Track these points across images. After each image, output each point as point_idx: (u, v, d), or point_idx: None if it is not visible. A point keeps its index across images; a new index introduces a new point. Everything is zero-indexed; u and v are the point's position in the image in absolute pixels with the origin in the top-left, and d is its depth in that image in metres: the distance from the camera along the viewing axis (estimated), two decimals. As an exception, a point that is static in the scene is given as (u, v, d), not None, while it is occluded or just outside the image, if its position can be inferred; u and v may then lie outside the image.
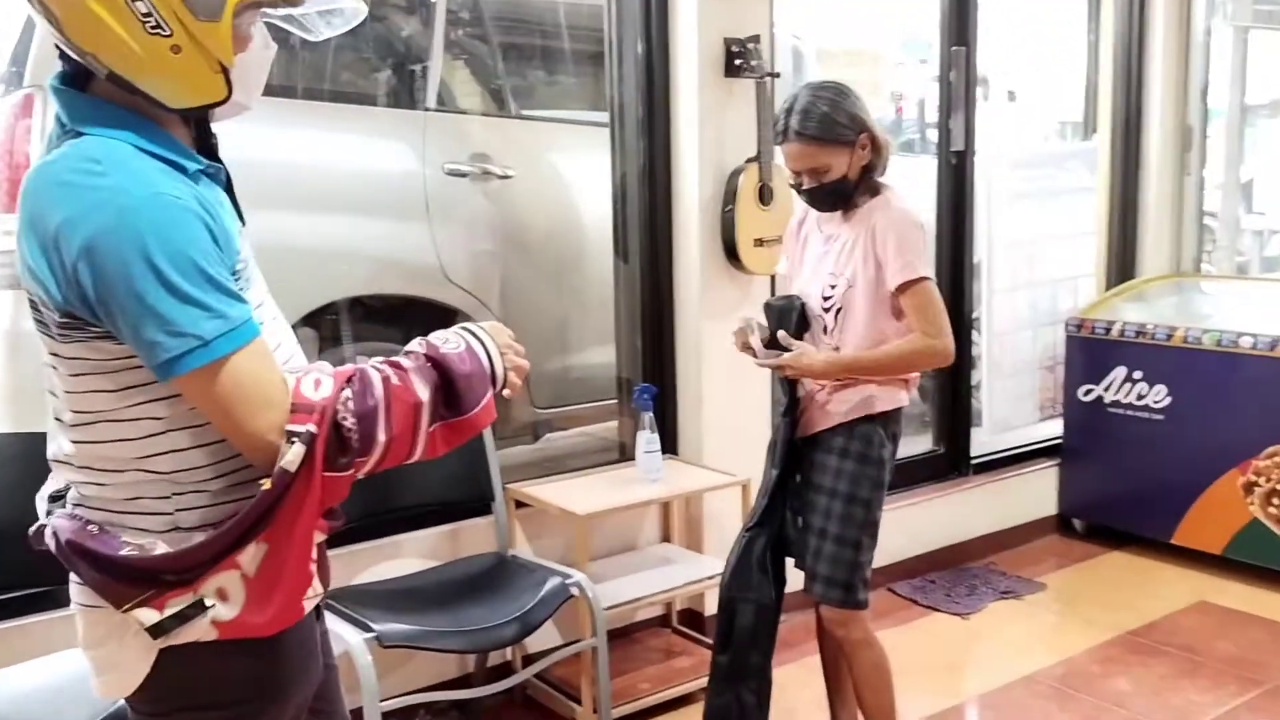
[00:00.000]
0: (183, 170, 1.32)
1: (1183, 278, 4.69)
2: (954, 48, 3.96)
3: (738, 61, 3.22)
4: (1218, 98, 5.26)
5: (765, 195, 3.27)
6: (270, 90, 3.32)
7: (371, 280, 3.34)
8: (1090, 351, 4.22)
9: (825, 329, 2.45)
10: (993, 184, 4.16)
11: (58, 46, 1.31)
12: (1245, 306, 4.36)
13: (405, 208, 3.40)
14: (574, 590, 2.70)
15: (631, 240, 3.45)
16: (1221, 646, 3.43)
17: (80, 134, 1.29)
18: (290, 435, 1.27)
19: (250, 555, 1.32)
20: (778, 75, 3.33)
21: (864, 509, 2.44)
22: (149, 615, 1.31)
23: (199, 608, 1.31)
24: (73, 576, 1.39)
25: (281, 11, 1.42)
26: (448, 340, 1.42)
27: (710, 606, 3.43)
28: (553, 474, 3.27)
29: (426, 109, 3.55)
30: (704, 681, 3.12)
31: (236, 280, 1.33)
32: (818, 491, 2.47)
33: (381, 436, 1.33)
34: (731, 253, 3.30)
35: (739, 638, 2.50)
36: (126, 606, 1.31)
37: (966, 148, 4.03)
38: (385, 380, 1.34)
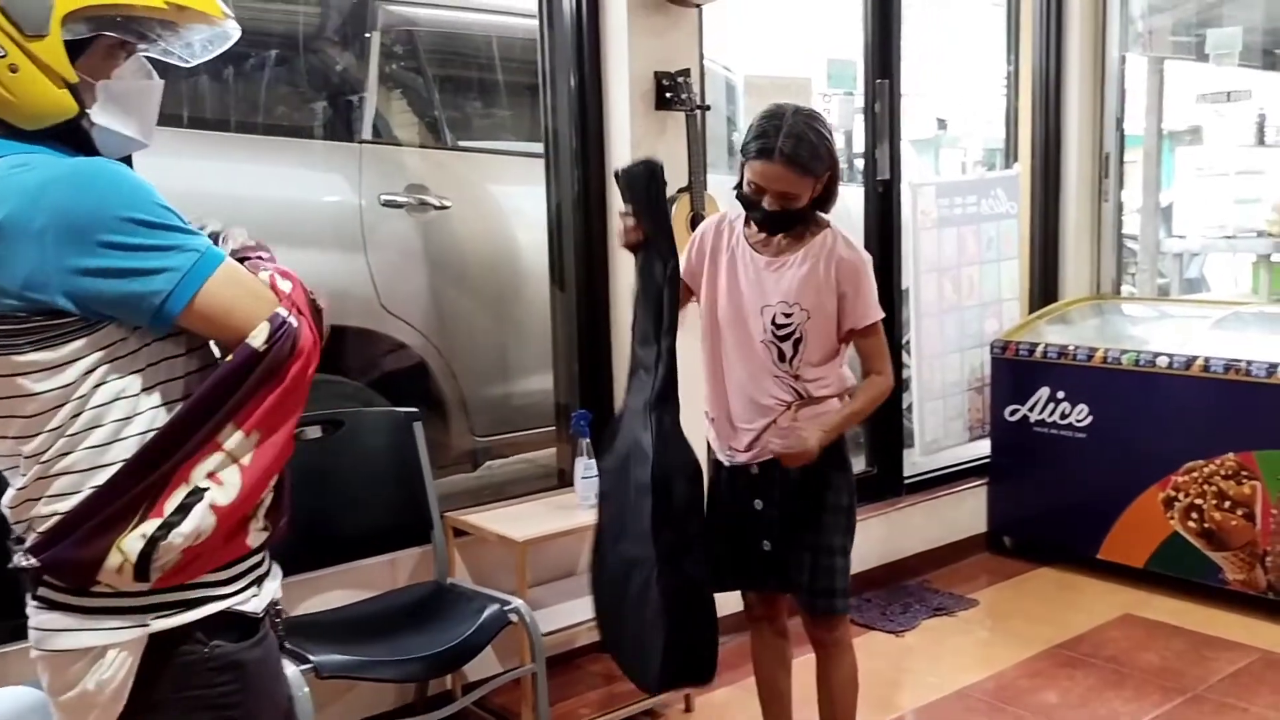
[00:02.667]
0: None
1: (1103, 300, 4.85)
2: (878, 80, 4.08)
3: (668, 95, 3.29)
4: (1136, 125, 5.45)
5: (697, 223, 3.33)
6: (205, 124, 3.34)
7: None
8: (1015, 372, 4.34)
9: (782, 356, 2.45)
10: (918, 211, 4.27)
11: None
12: (1164, 327, 4.51)
13: (341, 239, 3.42)
14: (513, 617, 2.72)
15: (568, 269, 3.49)
16: (1145, 658, 3.54)
17: None
18: (273, 319, 1.36)
19: (236, 441, 1.35)
20: (708, 108, 3.40)
21: (845, 516, 2.52)
22: (150, 525, 1.32)
23: (196, 494, 1.34)
24: (41, 624, 1.39)
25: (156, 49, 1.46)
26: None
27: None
28: (492, 501, 3.29)
29: (362, 141, 3.58)
30: (647, 704, 3.17)
31: None
32: (790, 507, 2.49)
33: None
34: (665, 280, 3.36)
35: (676, 510, 2.33)
36: (127, 530, 1.32)
37: (892, 177, 4.14)
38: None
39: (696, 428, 2.60)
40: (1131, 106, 5.11)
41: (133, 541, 1.32)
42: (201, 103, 3.21)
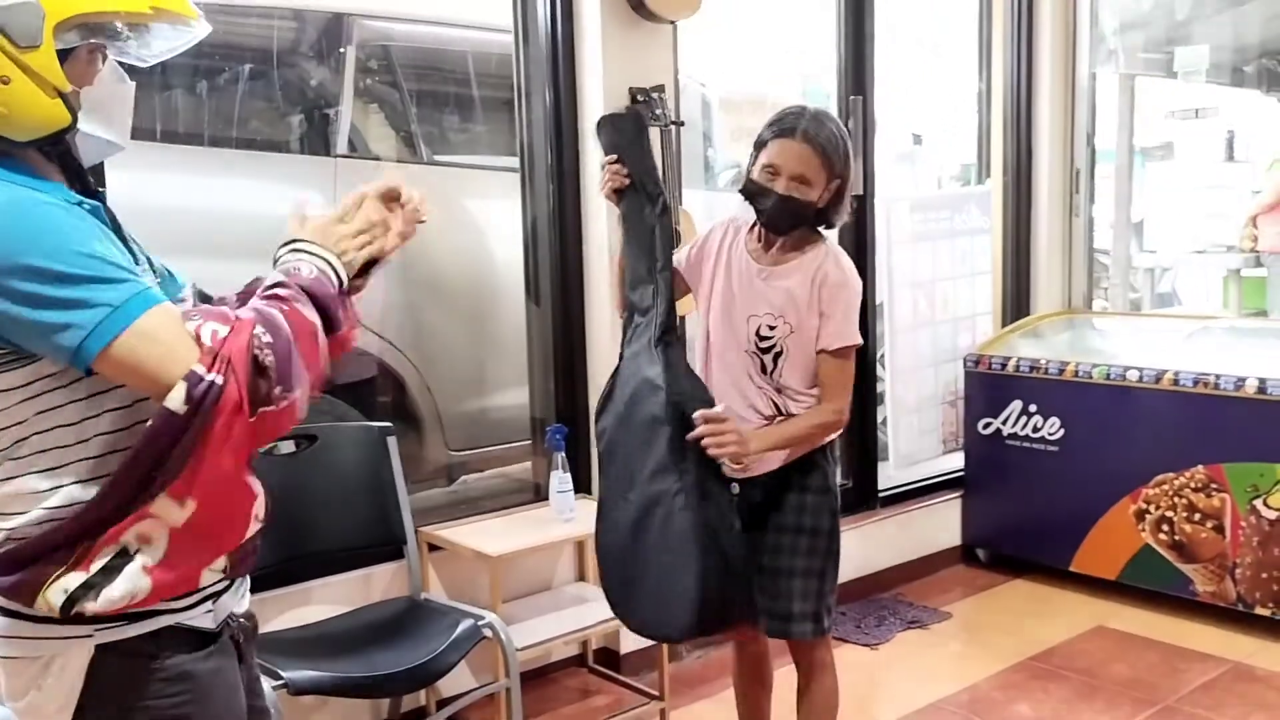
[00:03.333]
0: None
1: (1075, 314, 4.89)
2: (852, 96, 4.11)
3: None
4: (1107, 141, 5.52)
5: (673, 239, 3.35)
6: (177, 137, 3.33)
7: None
8: (988, 386, 4.37)
9: (763, 368, 2.41)
10: (892, 226, 4.30)
11: None
12: (1135, 341, 4.56)
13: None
14: (486, 632, 2.72)
15: (543, 283, 3.50)
16: (1117, 669, 3.56)
17: None
18: (189, 378, 1.27)
19: (166, 506, 1.31)
20: (682, 124, 3.43)
21: (827, 539, 2.48)
22: (76, 578, 1.31)
23: (123, 555, 1.32)
24: None
25: (131, 55, 1.44)
26: (298, 268, 1.42)
27: (627, 644, 3.46)
28: (467, 516, 3.28)
29: (337, 155, 3.58)
30: (622, 718, 3.16)
31: None
32: (778, 531, 2.46)
33: (300, 368, 1.35)
34: (640, 295, 3.37)
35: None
36: (50, 580, 1.30)
37: (866, 192, 4.17)
38: (286, 314, 1.35)
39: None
40: (1102, 123, 5.17)
41: (55, 594, 1.31)
42: (175, 116, 3.21)
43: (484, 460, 3.83)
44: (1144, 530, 3.97)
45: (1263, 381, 3.67)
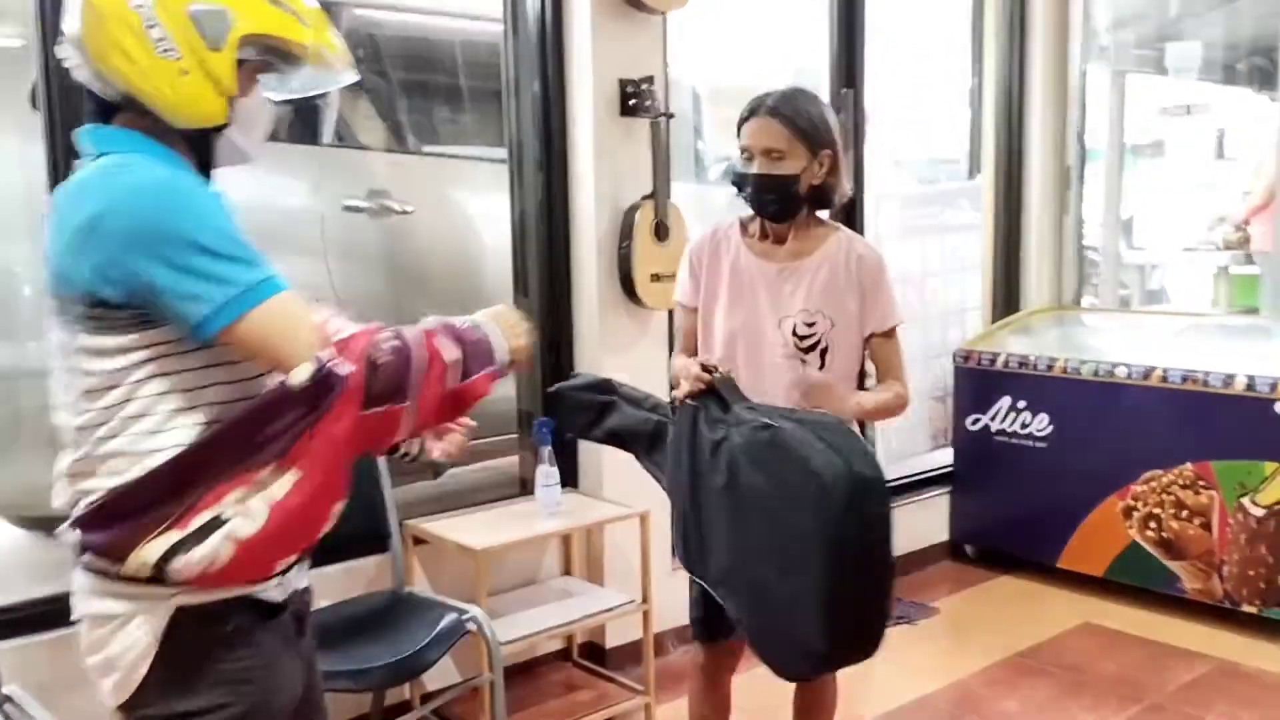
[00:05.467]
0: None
1: (1064, 310, 4.88)
2: (842, 89, 4.10)
3: (632, 102, 3.29)
4: (1098, 138, 5.50)
5: (661, 231, 3.34)
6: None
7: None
8: (977, 382, 4.37)
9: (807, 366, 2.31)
10: (882, 222, 4.29)
11: (84, 86, 1.49)
12: (1124, 337, 4.55)
13: (301, 243, 3.39)
14: (470, 626, 2.69)
15: (530, 275, 3.48)
16: (1104, 666, 3.56)
17: (104, 154, 1.46)
18: (317, 360, 1.40)
19: (273, 477, 1.40)
20: (672, 115, 3.40)
21: None
22: (172, 537, 1.38)
23: (218, 522, 1.39)
24: (79, 586, 1.48)
25: (292, 85, 1.61)
26: (457, 319, 1.57)
27: (613, 638, 3.45)
28: (453, 509, 3.26)
29: (324, 144, 3.55)
30: (607, 713, 3.15)
31: None
32: None
33: (416, 381, 1.46)
34: (628, 288, 3.36)
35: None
36: (149, 537, 1.38)
37: (856, 187, 4.15)
38: (424, 340, 1.48)
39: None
40: (1093, 119, 5.16)
41: (152, 550, 1.39)
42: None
43: (470, 453, 3.79)
44: (1131, 527, 3.96)
45: (1251, 379, 3.67)
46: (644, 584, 3.15)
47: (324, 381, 1.39)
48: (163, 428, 1.43)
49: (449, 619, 2.68)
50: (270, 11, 1.50)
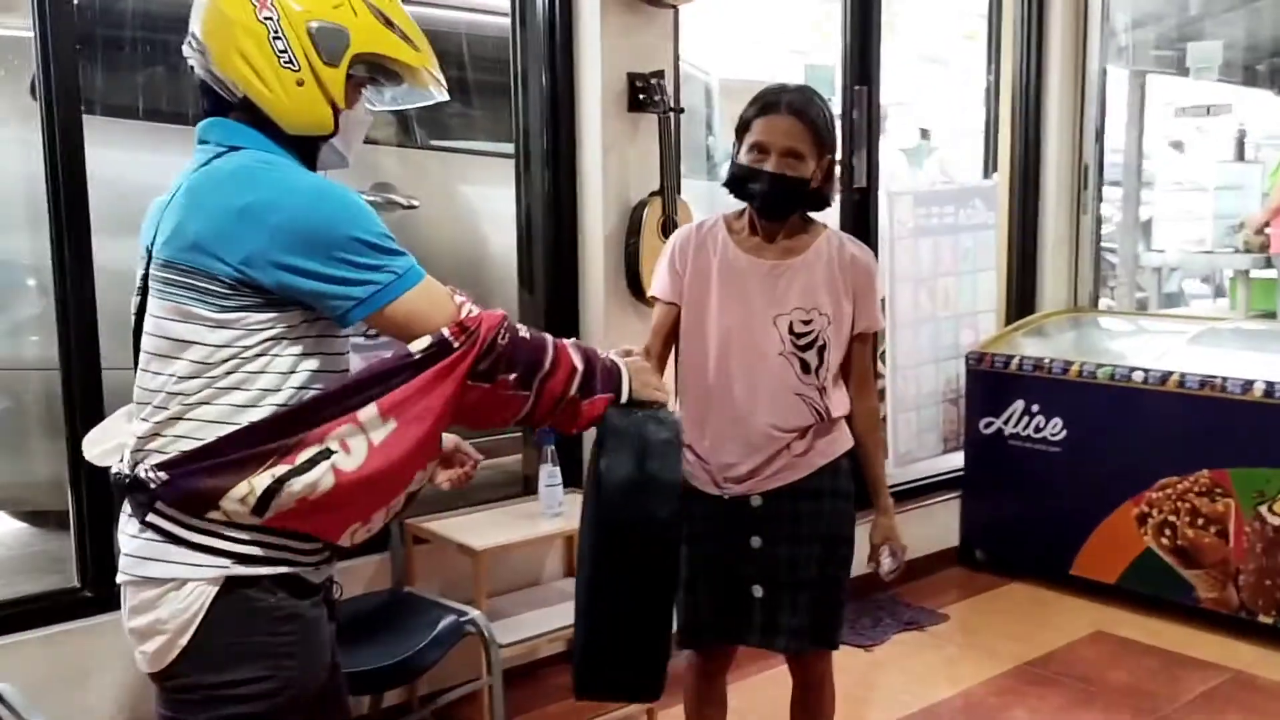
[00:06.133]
0: None
1: (1080, 313, 4.82)
2: (856, 87, 4.04)
3: (641, 96, 3.24)
4: (1116, 139, 5.44)
5: (668, 228, 3.28)
6: (162, 116, 3.25)
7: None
8: (990, 385, 4.30)
9: (806, 367, 2.26)
10: (895, 220, 4.23)
11: (202, 82, 1.62)
12: (1141, 341, 4.49)
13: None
14: (469, 628, 2.65)
15: (536, 271, 3.43)
16: (1116, 676, 3.50)
17: (235, 148, 1.58)
18: (435, 335, 1.54)
19: (372, 417, 1.51)
20: (681, 111, 3.35)
21: (848, 546, 2.38)
22: (281, 469, 1.49)
23: (325, 454, 1.50)
24: (131, 549, 1.55)
25: (388, 94, 1.75)
26: (605, 356, 1.73)
27: (614, 642, 3.40)
28: (454, 508, 3.21)
29: (329, 137, 3.51)
30: (608, 718, 3.10)
31: None
32: (796, 543, 2.30)
33: (538, 373, 1.60)
34: (635, 285, 3.31)
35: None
36: (257, 471, 1.49)
37: (869, 185, 4.09)
38: (555, 343, 1.65)
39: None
40: (1111, 119, 5.09)
41: (263, 479, 1.49)
42: (177, 97, 3.13)
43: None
44: (1146, 534, 3.90)
45: (1270, 385, 3.60)
46: (647, 587, 3.10)
47: (438, 347, 1.53)
48: (256, 402, 1.53)
49: (448, 620, 2.64)
50: (383, 33, 1.61)
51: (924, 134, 8.20)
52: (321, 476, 1.50)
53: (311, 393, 1.55)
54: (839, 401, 2.33)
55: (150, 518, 1.53)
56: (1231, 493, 3.68)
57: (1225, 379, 3.70)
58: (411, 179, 3.60)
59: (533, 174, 3.39)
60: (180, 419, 1.54)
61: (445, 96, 1.76)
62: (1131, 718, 3.22)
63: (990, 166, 4.84)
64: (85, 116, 2.59)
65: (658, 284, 2.39)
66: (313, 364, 1.58)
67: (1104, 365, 4.03)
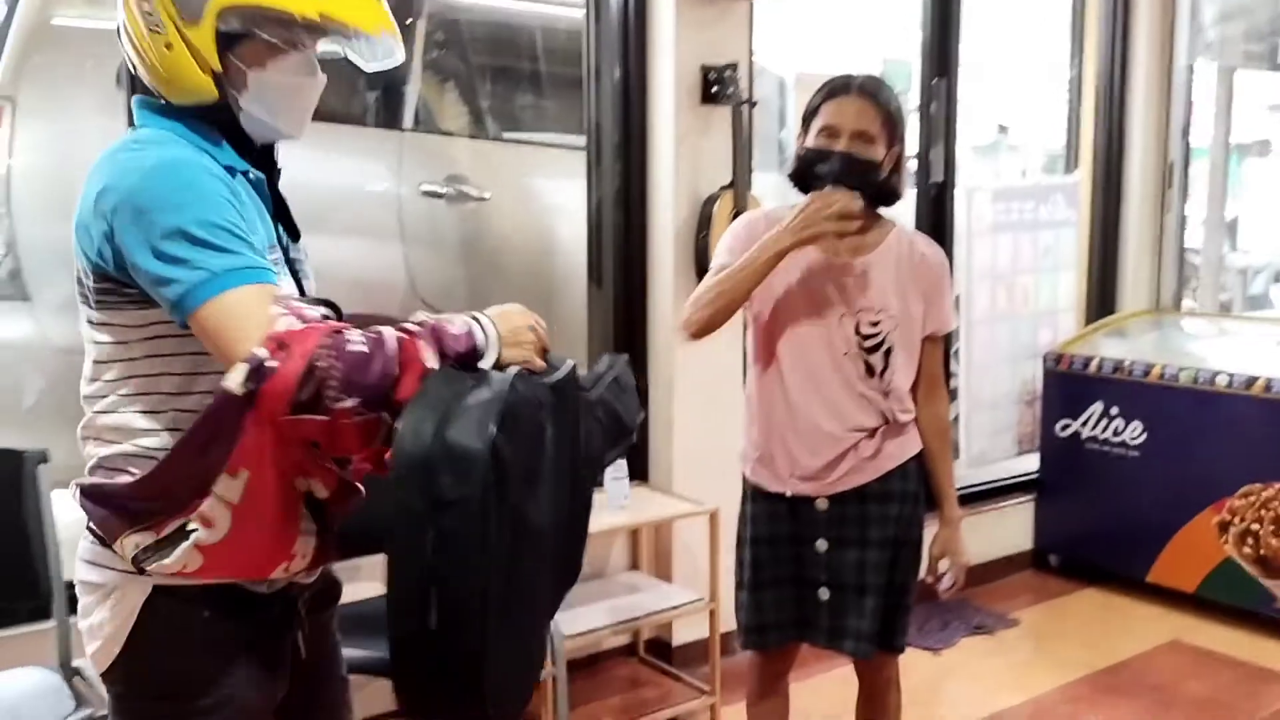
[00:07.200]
0: (212, 159, 1.45)
1: (1162, 314, 4.69)
2: (935, 79, 3.97)
3: (714, 89, 3.21)
4: (1203, 135, 5.28)
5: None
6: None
7: (341, 299, 3.31)
8: (1068, 386, 4.21)
9: (870, 370, 2.20)
10: (973, 216, 4.15)
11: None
12: (1225, 344, 4.36)
13: (378, 227, 3.39)
14: (534, 619, 2.65)
15: (606, 264, 3.43)
16: (1192, 687, 3.40)
17: (143, 126, 1.47)
18: (250, 359, 1.31)
19: (225, 483, 1.37)
20: (754, 103, 3.32)
21: (916, 550, 2.33)
22: (146, 538, 1.39)
23: (183, 534, 1.38)
24: (79, 550, 1.49)
25: (325, 46, 1.53)
26: (453, 321, 1.45)
27: (680, 636, 3.39)
28: (520, 499, 3.23)
29: (404, 129, 3.54)
30: (671, 712, 3.10)
31: None
32: (864, 547, 2.25)
33: (378, 389, 1.33)
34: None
35: None
36: (128, 531, 1.39)
37: (946, 180, 4.02)
38: (400, 341, 1.37)
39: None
40: (1198, 115, 4.94)
41: (129, 545, 1.40)
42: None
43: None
44: (1227, 543, 3.78)
45: (1363, 391, 3.47)
46: (712, 582, 3.09)
47: (257, 374, 1.30)
48: (160, 408, 1.42)
49: (512, 611, 2.64)
50: None
51: (1002, 129, 8.06)
52: (187, 555, 1.38)
53: (178, 435, 1.39)
54: (905, 405, 2.27)
55: (90, 524, 1.47)
56: (1319, 502, 3.56)
57: (1315, 384, 3.58)
58: (483, 171, 3.62)
59: (604, 166, 3.39)
60: (89, 427, 1.46)
61: (395, 44, 1.55)
62: (1209, 731, 3.14)
63: (1071, 162, 4.73)
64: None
65: (721, 259, 2.27)
66: (206, 383, 1.40)
67: (1186, 368, 3.92)
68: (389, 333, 1.36)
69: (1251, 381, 3.73)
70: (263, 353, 1.29)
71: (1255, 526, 3.71)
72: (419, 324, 1.41)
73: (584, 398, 1.59)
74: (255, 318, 1.33)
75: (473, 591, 1.32)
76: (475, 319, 1.46)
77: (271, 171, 1.56)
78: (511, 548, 1.35)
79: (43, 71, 2.98)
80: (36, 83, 3.00)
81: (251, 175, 1.48)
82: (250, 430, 1.33)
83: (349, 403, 1.31)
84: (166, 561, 1.39)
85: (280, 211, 1.57)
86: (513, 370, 1.43)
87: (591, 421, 1.59)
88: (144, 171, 1.37)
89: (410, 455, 1.30)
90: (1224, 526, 3.79)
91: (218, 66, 1.42)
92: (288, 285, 1.50)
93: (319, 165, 3.35)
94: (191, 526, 1.38)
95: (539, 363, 1.49)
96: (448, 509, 1.29)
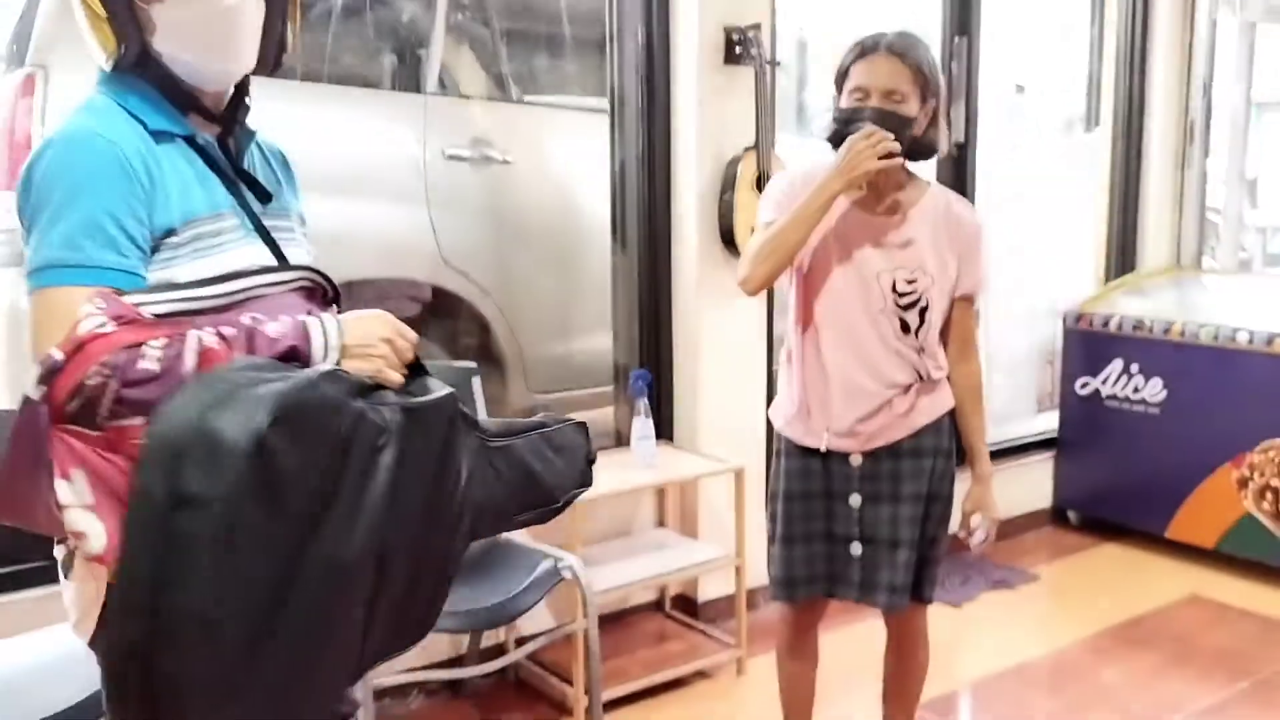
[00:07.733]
0: (143, 125, 1.38)
1: (1182, 272, 4.69)
2: (956, 38, 3.96)
3: (738, 50, 3.22)
4: (1224, 93, 5.25)
5: (763, 184, 3.28)
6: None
7: (368, 264, 3.35)
8: (1088, 344, 4.22)
9: (905, 327, 2.23)
10: (993, 175, 4.16)
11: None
12: (1245, 302, 4.36)
13: (404, 191, 3.42)
14: (566, 573, 2.71)
15: (629, 227, 3.45)
16: (1212, 639, 3.44)
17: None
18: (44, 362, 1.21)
19: (68, 490, 1.21)
20: (778, 64, 3.33)
21: (948, 505, 2.37)
22: (58, 552, 1.40)
23: (69, 557, 1.39)
24: None
25: None
26: (281, 322, 1.33)
27: (706, 592, 3.45)
28: (548, 459, 3.27)
29: (427, 93, 3.56)
30: (698, 665, 3.16)
31: (177, 245, 1.35)
32: (897, 502, 2.29)
33: (150, 399, 1.21)
34: (729, 240, 3.31)
35: None
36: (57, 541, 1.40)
37: (967, 139, 4.02)
38: (203, 353, 1.24)
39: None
40: (1220, 72, 4.91)
41: (60, 552, 1.40)
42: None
43: (566, 404, 3.81)
44: (1246, 498, 3.81)
45: (1385, 347, 3.48)
46: (738, 538, 3.14)
47: (48, 382, 1.20)
48: None
49: (545, 565, 2.70)
50: None
51: (1019, 89, 8.02)
52: (89, 570, 1.32)
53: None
54: (938, 362, 2.31)
55: None
56: (1339, 457, 3.58)
57: (1336, 340, 3.59)
58: (506, 134, 3.64)
59: (626, 128, 3.41)
60: None
61: None
62: (1226, 681, 3.18)
63: (1092, 120, 4.71)
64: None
65: (767, 213, 2.28)
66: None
67: (1207, 325, 3.93)
68: (192, 346, 1.24)
69: (1271, 338, 3.74)
70: (57, 355, 1.19)
71: (1274, 482, 3.74)
72: (237, 328, 1.29)
73: (476, 439, 1.44)
74: (56, 319, 1.25)
75: (195, 609, 1.15)
76: (321, 321, 1.34)
77: (231, 131, 1.47)
78: (285, 571, 1.19)
79: (76, 40, 3.00)
80: (69, 51, 3.03)
81: (199, 139, 1.42)
82: (57, 438, 1.21)
83: (135, 421, 1.20)
84: (77, 585, 1.35)
85: (246, 174, 1.48)
86: (324, 368, 1.28)
87: (486, 469, 1.46)
88: (43, 145, 1.34)
89: (161, 436, 1.17)
90: (1243, 482, 3.82)
91: (101, 11, 1.36)
92: (254, 251, 1.42)
93: (344, 130, 3.38)
94: (72, 545, 1.32)
95: (392, 377, 1.34)
96: (186, 505, 1.15)
